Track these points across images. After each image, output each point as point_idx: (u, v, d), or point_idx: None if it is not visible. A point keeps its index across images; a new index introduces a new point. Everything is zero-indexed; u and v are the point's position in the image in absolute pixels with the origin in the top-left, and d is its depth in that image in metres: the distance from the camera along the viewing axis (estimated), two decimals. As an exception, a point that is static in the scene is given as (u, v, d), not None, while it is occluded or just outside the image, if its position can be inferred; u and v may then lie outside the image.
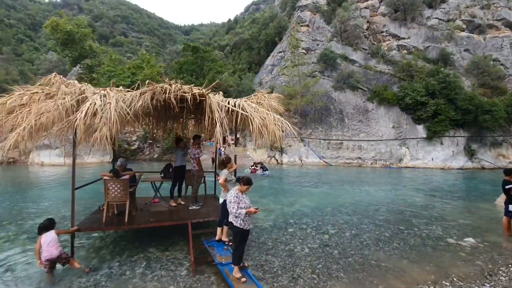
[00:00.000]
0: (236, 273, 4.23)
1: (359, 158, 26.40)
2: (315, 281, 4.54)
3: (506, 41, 31.61)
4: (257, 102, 6.57)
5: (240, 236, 4.19)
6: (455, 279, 4.67)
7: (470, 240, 6.50)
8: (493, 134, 26.17)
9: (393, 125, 27.14)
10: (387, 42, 33.55)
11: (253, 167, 19.03)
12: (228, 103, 5.64)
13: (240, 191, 4.26)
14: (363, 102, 28.52)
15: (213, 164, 9.41)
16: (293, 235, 6.85)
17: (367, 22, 35.42)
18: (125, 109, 4.59)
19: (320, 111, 28.26)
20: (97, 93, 4.59)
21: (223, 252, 5.08)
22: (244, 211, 4.09)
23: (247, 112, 5.58)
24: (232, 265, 4.31)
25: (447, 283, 4.51)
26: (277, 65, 35.40)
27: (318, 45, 33.77)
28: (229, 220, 4.27)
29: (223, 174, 5.27)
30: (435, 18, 33.84)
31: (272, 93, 7.41)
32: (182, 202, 7.18)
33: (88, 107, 4.15)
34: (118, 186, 5.63)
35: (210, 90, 5.27)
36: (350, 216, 8.63)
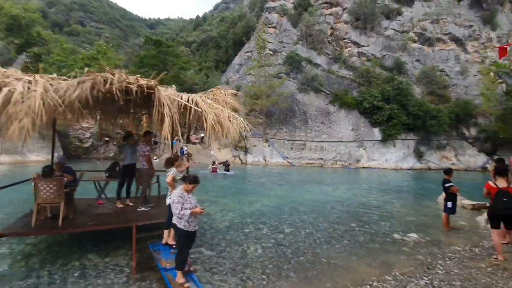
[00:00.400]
0: (180, 278, 3.95)
1: (321, 158, 27.31)
2: (264, 282, 4.43)
3: (452, 54, 35.00)
4: (213, 98, 6.33)
5: (184, 239, 3.91)
6: (397, 273, 4.86)
7: (414, 235, 6.90)
8: (438, 138, 28.79)
9: (352, 127, 28.53)
10: (349, 49, 35.26)
11: (214, 166, 18.44)
12: (181, 98, 5.33)
13: (186, 190, 3.98)
14: (326, 104, 29.60)
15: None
16: (248, 235, 6.71)
17: (331, 28, 36.90)
18: (56, 99, 4.07)
19: (285, 112, 28.75)
20: (21, 78, 4.01)
21: (169, 256, 4.75)
22: (188, 211, 3.83)
23: (200, 108, 5.31)
24: (176, 270, 4.02)
25: (390, 278, 4.67)
26: (244, 65, 35.33)
27: (284, 47, 34.37)
28: (173, 222, 3.97)
29: (171, 172, 4.95)
30: (392, 29, 36.34)
31: (239, 91, 7.22)
32: (130, 204, 6.65)
33: (6, 94, 3.58)
34: (51, 186, 5.02)
35: (157, 82, 4.92)
36: (307, 215, 8.74)
